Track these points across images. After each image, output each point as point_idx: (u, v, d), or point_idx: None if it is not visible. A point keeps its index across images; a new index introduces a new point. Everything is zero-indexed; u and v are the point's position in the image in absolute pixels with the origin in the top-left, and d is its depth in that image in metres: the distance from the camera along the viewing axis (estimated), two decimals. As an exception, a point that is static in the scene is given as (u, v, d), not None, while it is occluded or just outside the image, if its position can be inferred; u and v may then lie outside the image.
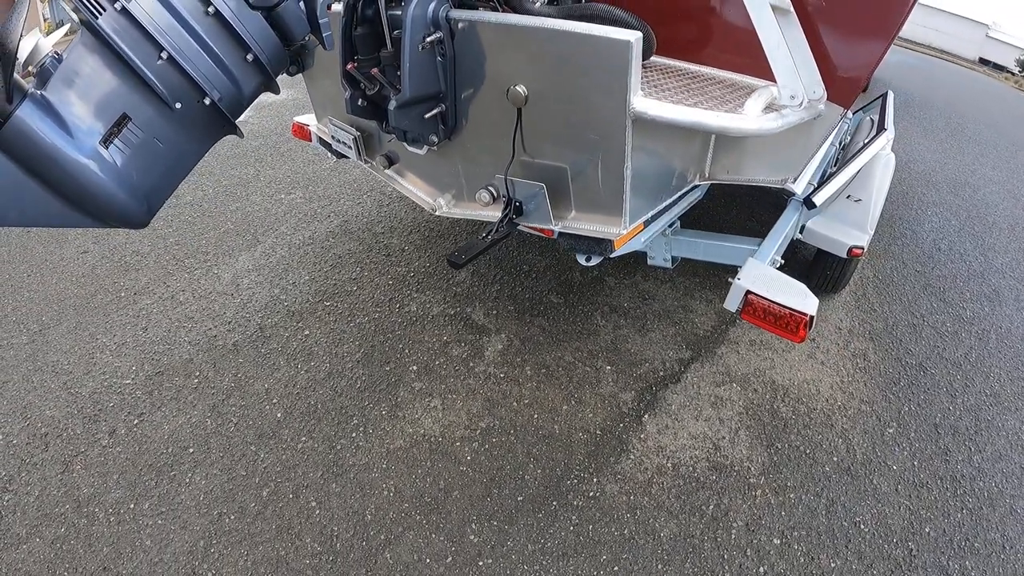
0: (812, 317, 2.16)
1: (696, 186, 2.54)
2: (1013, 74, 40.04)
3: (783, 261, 2.65)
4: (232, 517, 2.32)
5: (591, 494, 2.49)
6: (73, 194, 1.35)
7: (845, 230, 3.23)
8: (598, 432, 2.75)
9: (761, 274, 2.31)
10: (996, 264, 5.10)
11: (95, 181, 1.36)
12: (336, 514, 2.35)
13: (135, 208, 1.44)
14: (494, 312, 3.39)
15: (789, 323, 2.16)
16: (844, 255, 3.18)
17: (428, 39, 1.93)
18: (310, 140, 3.28)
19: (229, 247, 3.95)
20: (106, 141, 1.37)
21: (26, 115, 1.25)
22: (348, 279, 3.64)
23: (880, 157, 3.59)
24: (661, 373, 3.07)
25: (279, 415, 2.74)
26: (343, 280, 3.62)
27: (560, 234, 2.26)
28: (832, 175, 3.03)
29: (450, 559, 2.22)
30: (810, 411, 2.95)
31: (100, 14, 1.33)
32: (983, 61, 42.75)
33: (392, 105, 1.99)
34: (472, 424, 2.73)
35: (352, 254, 3.85)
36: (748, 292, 2.22)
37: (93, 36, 1.34)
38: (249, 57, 1.51)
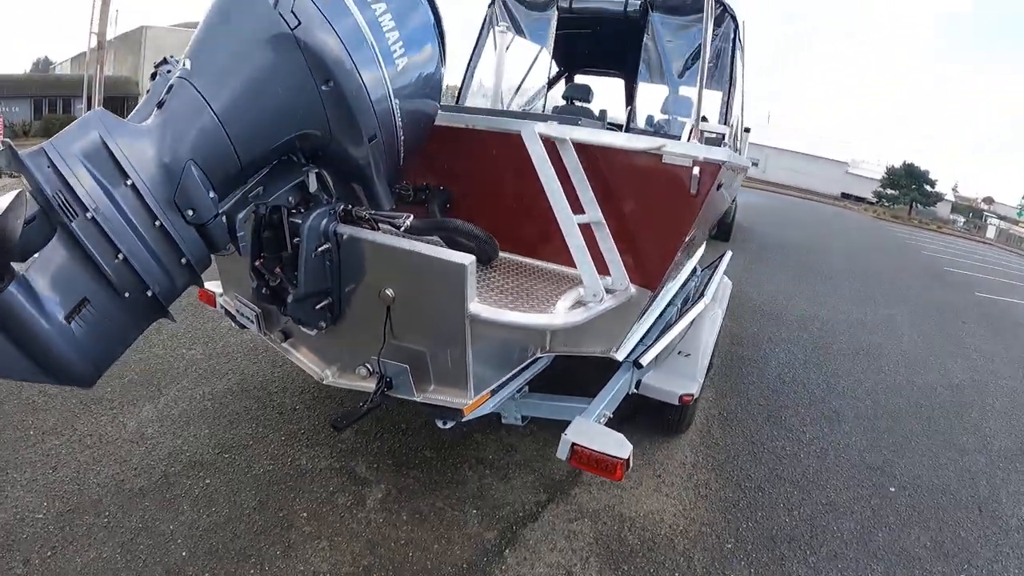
0: (627, 460, 2.57)
1: (538, 357, 2.95)
2: (872, 203, 45.12)
3: (611, 416, 3.11)
4: None
5: None
6: (40, 356, 1.65)
7: (676, 381, 3.74)
8: (465, 566, 2.99)
9: (586, 429, 2.74)
10: (838, 388, 5.80)
11: (59, 348, 1.66)
12: None
13: (87, 372, 1.75)
14: (375, 465, 3.66)
15: (608, 466, 2.57)
16: (676, 402, 3.66)
17: (320, 248, 2.34)
18: (214, 306, 3.54)
19: (133, 396, 4.11)
20: (69, 317, 1.67)
21: (12, 294, 1.56)
22: (245, 434, 3.84)
23: (705, 316, 4.19)
24: (521, 514, 3.37)
25: (184, 553, 2.87)
26: (241, 435, 3.82)
27: (422, 403, 2.60)
28: (657, 338, 3.54)
29: None
30: (654, 536, 3.30)
31: (74, 218, 1.67)
32: (845, 195, 48.11)
33: (290, 298, 2.41)
34: (356, 562, 2.94)
35: (248, 411, 4.07)
36: (573, 444, 2.62)
37: (67, 235, 1.68)
38: (183, 260, 1.88)
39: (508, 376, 2.82)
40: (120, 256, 1.72)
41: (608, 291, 2.75)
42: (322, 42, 1.99)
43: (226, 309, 3.44)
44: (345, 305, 2.59)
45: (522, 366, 2.93)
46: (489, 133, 2.86)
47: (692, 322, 4.11)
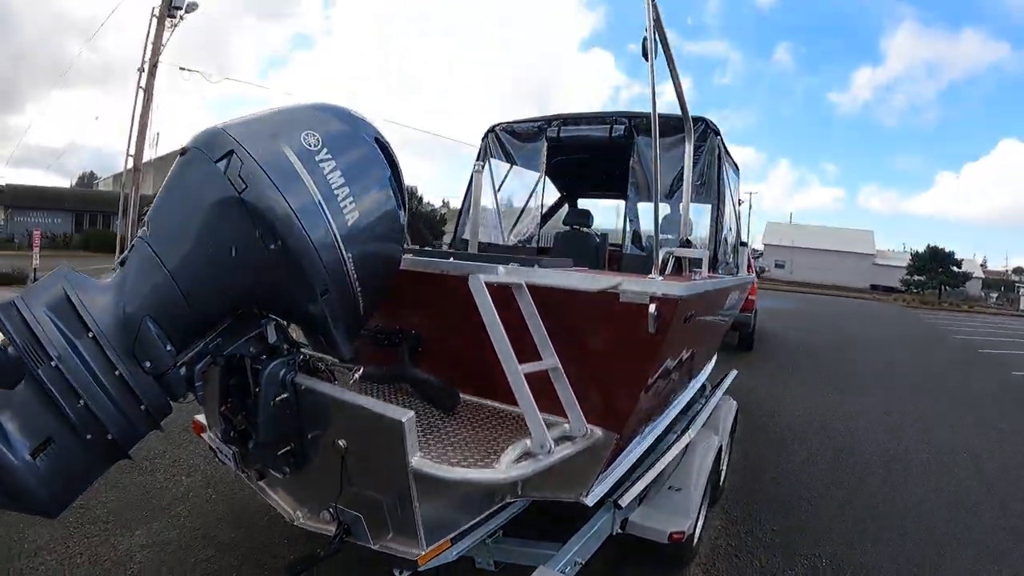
0: None
1: (508, 503, 2.76)
2: (900, 291, 43.71)
3: (582, 562, 2.87)
4: None
5: None
6: (8, 487, 1.73)
7: (666, 517, 3.43)
8: None
9: None
10: (860, 499, 5.21)
11: (25, 481, 1.74)
12: None
13: (51, 504, 1.84)
14: None
15: None
16: (666, 540, 3.33)
17: (279, 397, 2.32)
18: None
19: (128, 519, 4.03)
20: (35, 454, 1.76)
21: None
22: (230, 564, 3.66)
23: (698, 444, 3.91)
24: None
25: None
26: (227, 565, 3.65)
27: (379, 551, 2.45)
28: (640, 476, 3.28)
29: None
30: None
31: (40, 365, 1.77)
32: (874, 287, 46.90)
33: (251, 445, 2.39)
34: None
35: (235, 542, 3.90)
36: None
37: (34, 380, 1.77)
38: (143, 407, 1.93)
39: (472, 523, 2.62)
40: (82, 401, 1.80)
41: (566, 437, 2.59)
42: (268, 205, 2.03)
43: (210, 444, 3.37)
44: (309, 451, 2.53)
45: (488, 512, 2.72)
46: (452, 276, 2.83)
47: (683, 452, 3.83)
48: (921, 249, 47.32)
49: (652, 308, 2.42)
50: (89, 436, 1.85)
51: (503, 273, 2.64)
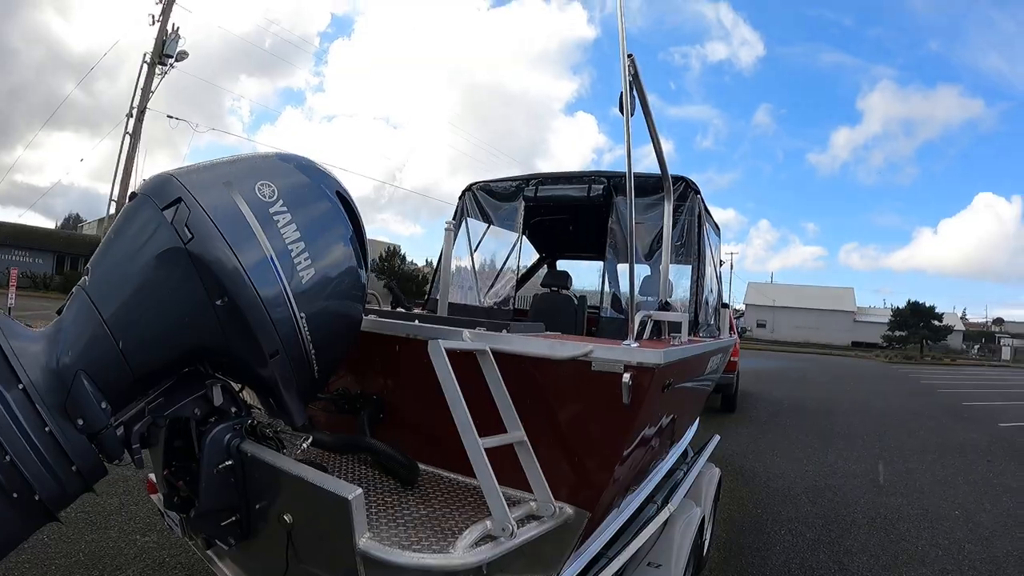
0: None
1: None
2: (883, 347, 43.83)
3: None
4: None
5: None
6: None
7: (643, 599, 3.13)
8: None
9: None
10: (851, 568, 4.93)
11: None
12: None
13: None
14: None
15: None
16: (647, 626, 3.03)
17: (222, 464, 2.11)
18: None
19: None
20: None
21: None
22: None
23: (678, 519, 3.64)
24: None
25: None
26: None
27: None
28: (615, 555, 3.01)
29: None
30: None
31: None
32: (856, 344, 47.09)
33: (192, 513, 2.16)
34: None
35: None
36: None
37: None
38: (74, 468, 1.79)
39: None
40: (8, 457, 1.67)
41: (533, 517, 2.36)
42: (215, 257, 1.89)
43: (158, 506, 3.08)
44: (255, 523, 2.28)
45: None
46: (417, 340, 2.64)
47: (664, 526, 3.56)
48: (902, 304, 47.83)
49: (626, 377, 2.23)
50: (15, 495, 1.71)
51: (467, 338, 2.47)
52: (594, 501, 2.50)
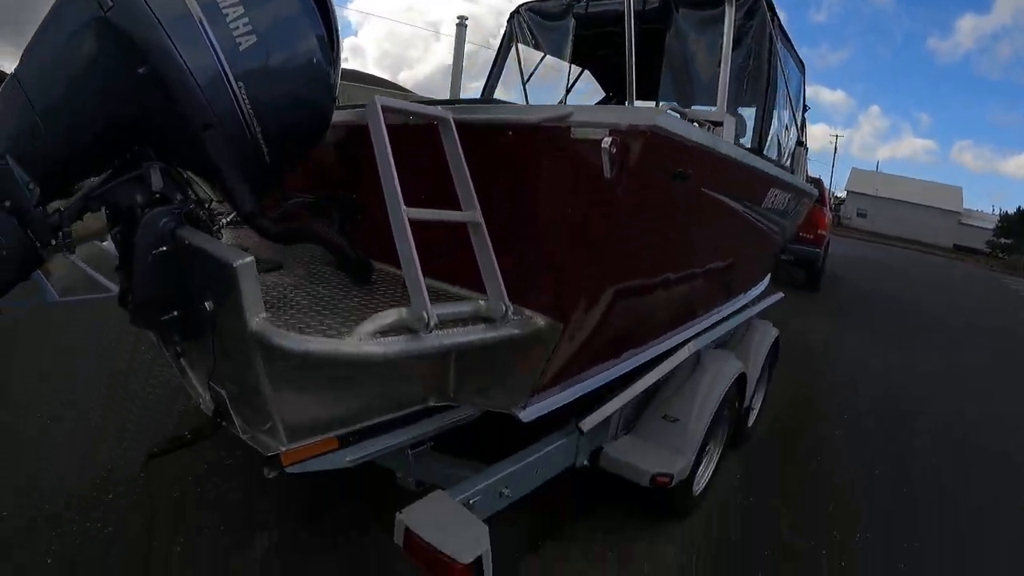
0: (469, 567, 1.65)
1: (437, 406, 2.08)
2: (986, 254, 39.16)
3: (507, 495, 2.15)
4: None
5: None
6: None
7: (652, 454, 2.57)
8: None
9: (436, 509, 1.83)
10: (912, 468, 4.07)
11: None
12: None
13: None
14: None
15: (444, 570, 1.67)
16: (647, 483, 2.48)
17: (156, 250, 1.85)
18: None
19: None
20: None
21: None
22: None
23: (707, 368, 2.94)
24: None
25: None
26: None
27: (248, 442, 1.83)
28: (609, 396, 2.40)
29: None
30: None
31: None
32: (957, 247, 42.00)
33: (129, 305, 1.94)
34: None
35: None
36: (407, 528, 1.75)
37: None
38: (3, 253, 1.66)
39: (371, 422, 1.95)
40: None
41: (482, 319, 1.82)
42: (135, 23, 1.71)
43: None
44: (198, 318, 1.94)
45: (402, 412, 2.03)
46: (395, 128, 2.00)
47: (689, 376, 2.89)
48: (1012, 211, 42.42)
49: (607, 142, 1.65)
50: None
51: (429, 107, 1.89)
52: (567, 308, 1.90)
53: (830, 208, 11.19)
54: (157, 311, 1.94)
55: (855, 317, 9.71)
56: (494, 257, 1.74)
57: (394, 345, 1.56)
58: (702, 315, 3.26)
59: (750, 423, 4.03)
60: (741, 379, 3.22)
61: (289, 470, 1.77)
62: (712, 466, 3.25)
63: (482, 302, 1.79)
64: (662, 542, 2.89)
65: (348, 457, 1.92)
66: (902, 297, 13.39)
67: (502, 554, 2.63)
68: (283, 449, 1.71)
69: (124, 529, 2.62)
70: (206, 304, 1.73)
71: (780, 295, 4.92)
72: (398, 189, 1.58)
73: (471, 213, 1.75)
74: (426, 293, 1.57)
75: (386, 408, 1.96)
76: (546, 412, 2.05)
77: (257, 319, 1.52)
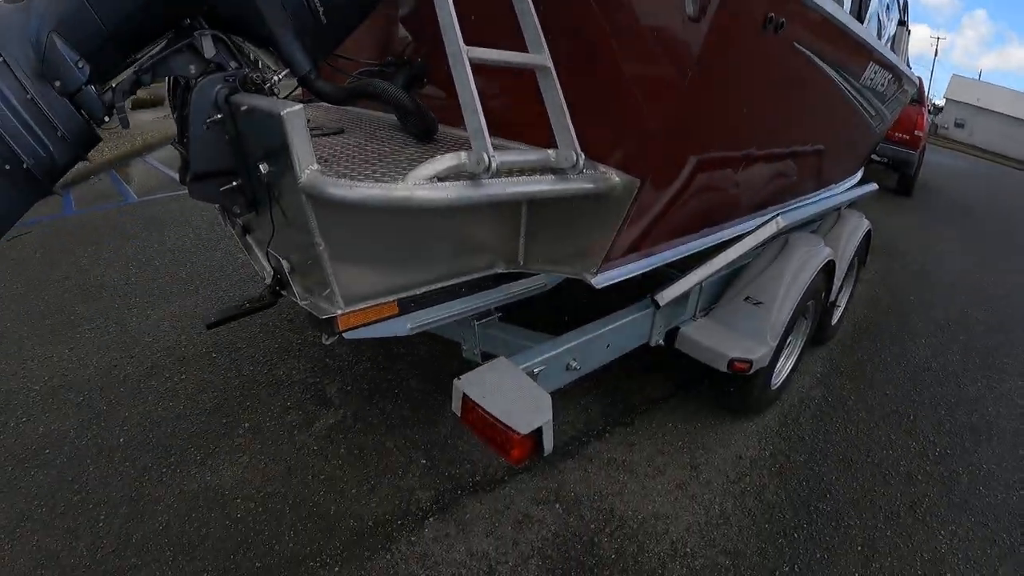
0: (530, 437, 1.54)
1: (507, 272, 1.95)
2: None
3: (578, 368, 1.99)
4: (42, 509, 2.24)
5: None
6: None
7: (732, 338, 2.39)
8: (370, 523, 2.20)
9: (497, 378, 1.70)
10: (999, 388, 3.59)
11: None
12: (112, 530, 2.16)
13: None
14: (348, 388, 2.96)
15: (501, 440, 1.56)
16: (725, 368, 2.31)
17: (210, 119, 1.80)
18: None
19: (172, 292, 3.93)
20: None
21: None
22: (243, 337, 3.40)
23: (793, 252, 2.63)
24: (477, 478, 2.42)
25: (121, 440, 2.57)
26: (239, 337, 3.40)
27: (306, 310, 1.81)
28: (688, 271, 2.20)
29: None
30: (641, 553, 2.13)
31: None
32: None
33: (188, 178, 1.91)
34: (262, 486, 2.33)
35: (262, 316, 3.54)
36: (465, 395, 1.64)
37: None
38: (59, 134, 1.70)
39: (434, 288, 1.86)
40: None
41: (552, 170, 1.62)
42: None
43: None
44: (257, 188, 1.93)
45: (467, 278, 1.93)
46: None
47: (774, 259, 2.61)
48: None
49: None
50: (7, 167, 1.65)
51: None
52: (644, 165, 1.68)
53: (928, 111, 9.58)
54: (215, 182, 1.91)
55: (948, 226, 8.28)
56: (564, 104, 1.53)
57: (451, 190, 1.42)
58: (789, 201, 2.90)
59: (834, 320, 3.68)
60: (829, 267, 2.85)
61: (347, 335, 1.73)
62: (792, 361, 2.98)
63: (551, 152, 1.60)
64: (735, 436, 2.73)
65: (409, 324, 1.86)
66: (994, 212, 11.40)
67: (566, 433, 2.76)
68: (339, 312, 1.67)
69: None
70: (261, 168, 1.67)
71: (873, 186, 4.28)
72: (457, 27, 1.41)
73: (540, 56, 1.54)
74: (488, 137, 1.40)
75: (450, 274, 1.87)
76: (620, 280, 1.89)
77: (308, 170, 1.44)
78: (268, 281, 1.99)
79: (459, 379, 1.68)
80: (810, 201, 3.00)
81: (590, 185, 1.65)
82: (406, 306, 1.80)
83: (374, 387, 2.94)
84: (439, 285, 1.86)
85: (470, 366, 2.13)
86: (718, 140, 1.97)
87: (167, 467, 2.40)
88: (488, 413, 1.55)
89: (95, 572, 2.00)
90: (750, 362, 2.32)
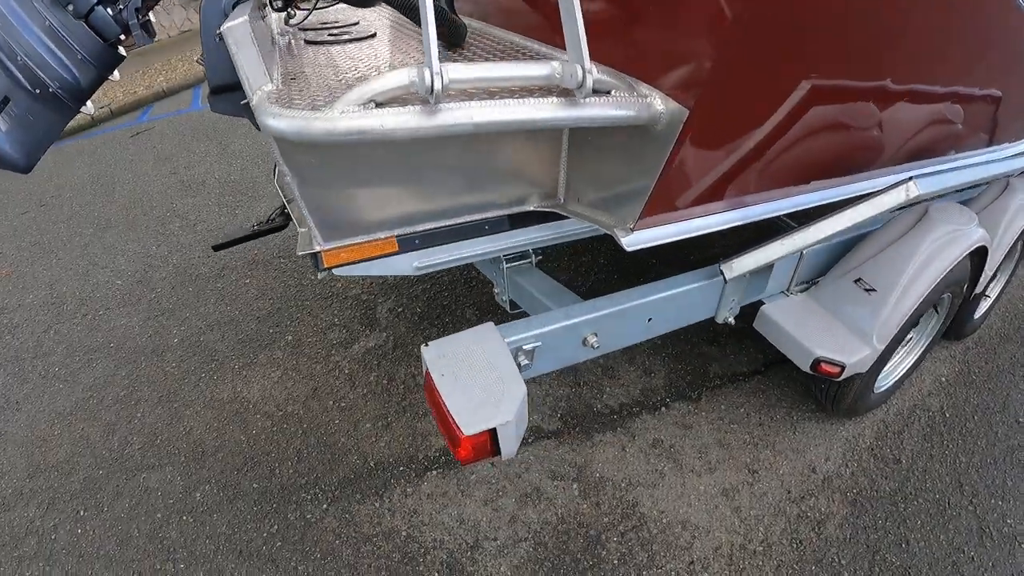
0: (477, 437, 1.25)
1: (538, 210, 1.58)
2: None
3: (598, 343, 1.58)
4: (93, 401, 2.40)
5: (310, 517, 1.93)
6: None
7: (826, 330, 1.82)
8: (371, 464, 2.09)
9: (472, 351, 1.40)
10: None
11: None
12: (144, 428, 2.29)
13: (20, 159, 1.75)
14: (399, 309, 2.78)
15: (450, 433, 1.28)
16: (808, 369, 1.77)
17: (219, 30, 1.69)
18: None
19: (266, 192, 3.94)
20: None
21: None
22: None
23: (931, 228, 1.90)
24: None
25: (175, 340, 2.68)
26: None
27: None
28: (766, 240, 1.64)
29: (173, 503, 2.02)
30: (650, 566, 1.79)
31: None
32: None
33: (207, 92, 1.87)
34: (283, 404, 2.31)
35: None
36: (428, 370, 1.36)
37: None
38: (80, 57, 1.75)
39: (449, 224, 1.54)
40: (19, 59, 1.69)
41: (549, 91, 1.17)
42: None
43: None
44: None
45: (488, 215, 1.58)
46: None
47: (906, 234, 1.91)
48: None
49: None
50: (36, 91, 1.72)
51: None
52: (695, 88, 1.16)
53: None
54: (233, 95, 1.74)
55: None
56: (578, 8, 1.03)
57: (391, 117, 1.04)
58: (933, 159, 2.07)
59: (978, 314, 2.81)
60: (980, 253, 2.07)
61: (337, 272, 1.48)
62: (912, 360, 2.30)
63: (555, 66, 1.13)
64: (816, 440, 2.18)
65: (415, 263, 1.56)
66: None
67: (616, 398, 2.38)
68: (319, 249, 1.43)
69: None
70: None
71: None
72: None
73: None
74: (436, 52, 0.98)
75: (465, 208, 1.52)
76: (660, 243, 1.41)
77: (258, 92, 1.16)
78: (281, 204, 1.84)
79: (427, 345, 1.40)
80: (964, 163, 2.10)
81: (617, 112, 1.16)
82: (408, 243, 1.51)
83: (426, 311, 2.75)
84: (451, 222, 1.53)
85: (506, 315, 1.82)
86: (823, 57, 1.33)
87: (207, 372, 2.46)
88: (440, 398, 1.26)
89: (118, 466, 2.12)
90: (842, 366, 1.75)
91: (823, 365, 1.76)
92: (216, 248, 2.05)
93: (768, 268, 1.73)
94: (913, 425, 2.34)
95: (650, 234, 1.39)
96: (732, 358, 2.47)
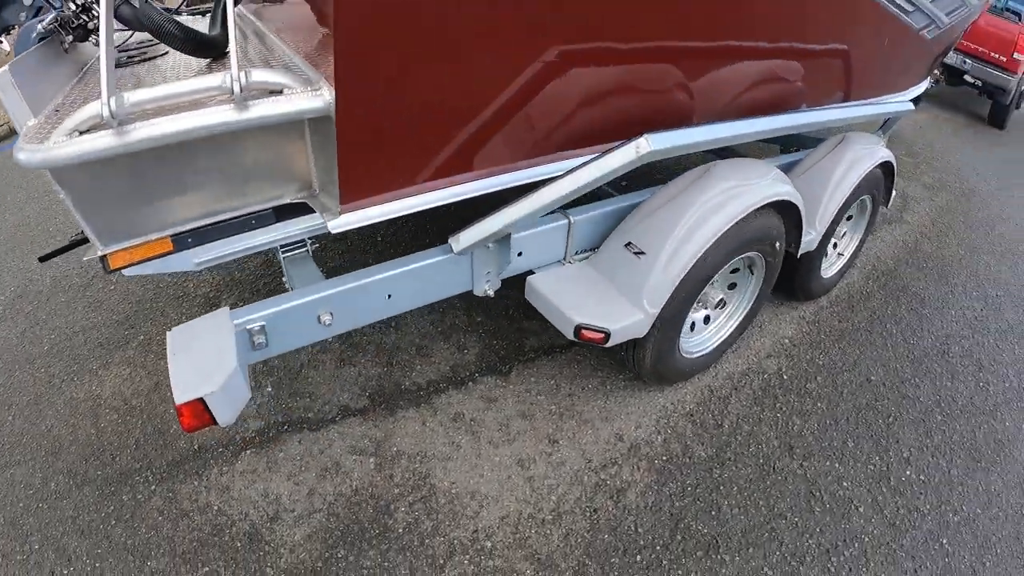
0: (188, 406, 1.36)
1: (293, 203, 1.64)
2: None
3: (331, 322, 1.64)
4: None
5: (140, 497, 2.03)
6: None
7: (593, 297, 1.84)
8: (196, 447, 2.16)
9: (204, 332, 1.52)
10: None
11: None
12: (13, 430, 2.32)
13: None
14: (240, 304, 2.80)
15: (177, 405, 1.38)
16: (573, 336, 1.80)
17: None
18: None
19: None
20: None
21: None
22: None
23: (707, 188, 1.91)
24: (309, 415, 2.23)
25: (46, 347, 2.74)
26: None
27: None
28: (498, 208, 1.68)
29: (32, 493, 2.09)
30: (434, 534, 1.84)
31: None
32: None
33: None
34: (129, 399, 2.40)
35: None
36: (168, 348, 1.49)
37: None
38: None
39: (216, 221, 1.61)
40: None
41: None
42: None
43: None
44: None
45: (251, 210, 1.64)
46: None
47: (681, 194, 1.92)
48: None
49: None
50: None
51: None
52: (340, 71, 1.20)
53: None
54: None
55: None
56: None
57: (89, 143, 1.24)
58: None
59: (831, 272, 2.82)
60: (786, 208, 2.08)
61: (127, 272, 1.57)
62: (734, 323, 2.31)
63: (224, 75, 1.26)
64: (630, 408, 2.20)
65: (195, 260, 1.65)
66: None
67: (424, 376, 2.29)
68: (101, 252, 1.51)
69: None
70: None
71: (908, 105, 3.03)
72: None
73: None
74: (109, 81, 1.20)
75: (228, 207, 1.60)
76: (370, 223, 1.48)
77: (24, 127, 1.35)
78: None
79: (174, 330, 1.52)
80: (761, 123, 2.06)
81: (278, 109, 1.28)
82: (183, 242, 1.60)
83: (264, 304, 2.83)
84: (217, 219, 1.61)
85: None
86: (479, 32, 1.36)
87: (68, 375, 2.54)
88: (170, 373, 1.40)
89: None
90: (606, 332, 1.77)
91: (584, 332, 1.78)
92: (42, 259, 2.10)
93: (506, 239, 1.76)
94: (743, 389, 2.35)
95: (355, 216, 1.45)
96: (552, 331, 2.44)
